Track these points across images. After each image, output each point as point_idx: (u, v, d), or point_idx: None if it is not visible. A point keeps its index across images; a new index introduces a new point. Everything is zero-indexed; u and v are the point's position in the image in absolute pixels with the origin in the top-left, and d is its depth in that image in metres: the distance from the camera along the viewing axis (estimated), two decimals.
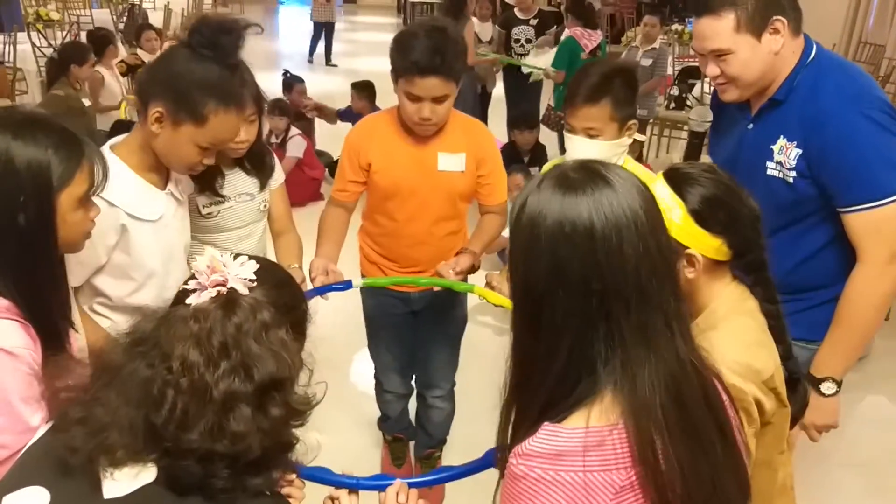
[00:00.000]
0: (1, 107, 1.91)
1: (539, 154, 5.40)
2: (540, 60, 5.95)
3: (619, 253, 0.91)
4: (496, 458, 1.10)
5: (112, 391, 0.94)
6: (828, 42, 1.67)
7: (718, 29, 1.67)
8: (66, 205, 1.28)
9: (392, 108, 2.17)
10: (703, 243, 1.28)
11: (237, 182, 2.04)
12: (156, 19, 9.31)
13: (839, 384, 1.73)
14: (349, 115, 6.01)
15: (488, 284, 1.98)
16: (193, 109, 1.57)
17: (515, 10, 6.25)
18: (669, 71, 6.52)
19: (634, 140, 1.96)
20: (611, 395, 0.92)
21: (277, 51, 12.92)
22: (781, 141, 1.72)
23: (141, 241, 1.68)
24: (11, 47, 6.19)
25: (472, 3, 6.24)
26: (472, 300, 2.37)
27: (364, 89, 5.85)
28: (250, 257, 1.03)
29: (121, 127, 4.11)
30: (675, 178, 1.31)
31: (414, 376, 2.66)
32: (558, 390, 0.94)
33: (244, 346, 0.92)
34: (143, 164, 1.68)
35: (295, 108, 5.99)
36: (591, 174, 0.95)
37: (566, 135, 1.91)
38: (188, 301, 0.96)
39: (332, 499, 1.24)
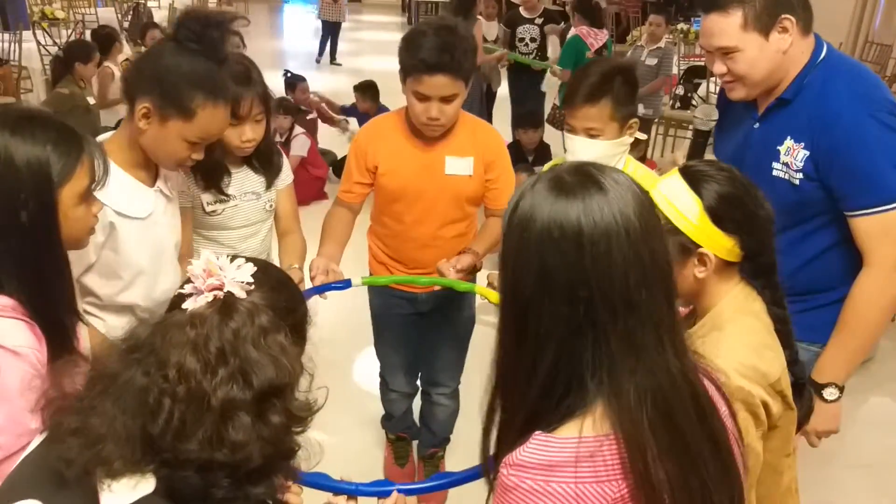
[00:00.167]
0: None
1: (543, 153, 5.39)
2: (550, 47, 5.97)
3: (608, 260, 0.88)
4: (483, 470, 1.08)
5: (108, 400, 0.92)
6: (834, 42, 1.66)
7: (725, 26, 1.64)
8: (68, 201, 1.28)
9: (401, 109, 2.16)
10: (716, 243, 1.26)
11: (244, 181, 2.03)
12: (160, 17, 9.32)
13: (842, 389, 1.71)
14: (353, 112, 6.02)
15: (490, 284, 1.97)
16: (181, 104, 1.55)
17: (521, 8, 6.26)
18: (675, 70, 6.50)
19: (636, 139, 1.94)
20: (602, 407, 0.90)
21: (283, 50, 12.93)
22: (788, 142, 1.70)
23: (129, 238, 1.66)
24: (17, 46, 6.20)
25: (480, 3, 6.24)
26: (478, 300, 2.36)
27: (367, 90, 5.85)
28: (247, 259, 1.00)
29: None
30: (692, 175, 1.29)
31: (419, 374, 2.65)
32: (544, 400, 0.92)
33: (242, 353, 0.90)
34: (132, 162, 1.66)
35: (301, 105, 6.00)
36: (585, 178, 0.93)
37: (566, 135, 1.90)
38: (185, 306, 0.94)
39: None
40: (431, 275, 2.20)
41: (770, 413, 1.26)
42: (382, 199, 2.22)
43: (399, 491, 1.24)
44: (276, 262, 2.13)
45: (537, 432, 0.91)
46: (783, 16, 1.62)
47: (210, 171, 1.95)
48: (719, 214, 1.25)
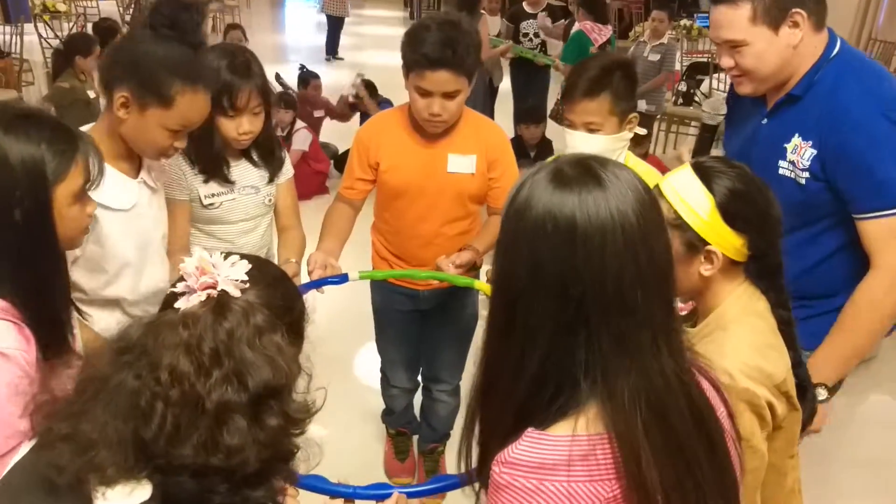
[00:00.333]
0: None
1: (546, 149, 5.38)
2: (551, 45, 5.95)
3: (601, 258, 0.86)
4: (468, 478, 1.06)
5: (99, 405, 0.89)
6: None
7: (733, 18, 1.60)
8: (63, 199, 1.27)
9: (403, 105, 2.14)
10: (725, 241, 1.24)
11: (242, 174, 2.02)
12: None
13: (831, 391, 1.67)
14: (357, 107, 6.02)
15: (490, 280, 1.96)
16: (159, 91, 1.53)
17: (524, 3, 6.25)
18: (677, 66, 6.48)
19: (637, 134, 1.93)
20: (596, 407, 0.88)
21: (285, 45, 12.91)
22: (796, 139, 1.65)
23: (113, 231, 1.64)
24: (18, 38, 6.19)
25: None
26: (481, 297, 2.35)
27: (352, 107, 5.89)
28: (242, 256, 0.98)
29: None
30: (704, 171, 1.26)
31: (420, 370, 2.65)
32: (534, 397, 0.90)
33: (237, 353, 0.87)
34: (113, 153, 1.63)
35: (310, 104, 6.00)
36: (584, 171, 0.90)
37: (566, 130, 1.88)
38: (177, 304, 0.92)
39: None
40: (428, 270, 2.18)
41: (775, 414, 1.24)
42: (384, 196, 2.21)
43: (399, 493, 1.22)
44: (276, 258, 2.13)
45: (530, 429, 0.89)
46: (794, 10, 1.58)
47: (212, 161, 1.94)
48: (731, 212, 1.22)
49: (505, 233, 0.94)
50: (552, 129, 5.67)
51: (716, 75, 6.31)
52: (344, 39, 11.44)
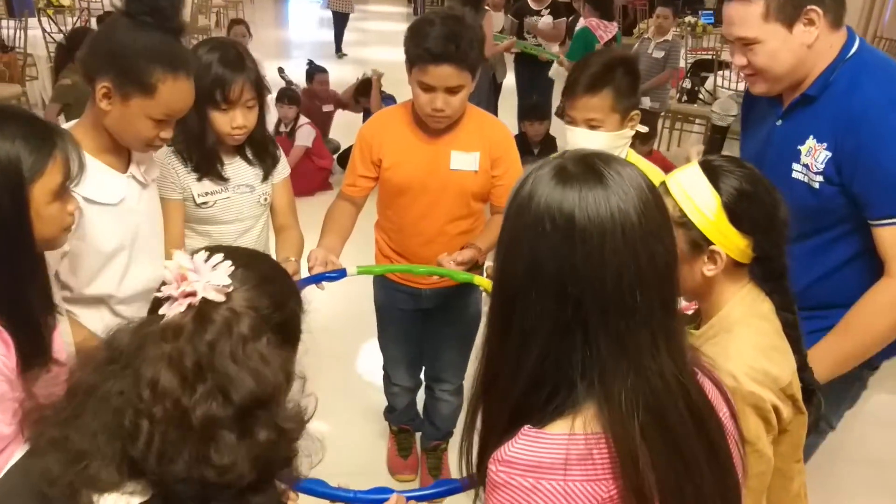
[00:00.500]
0: None
1: (550, 146, 5.37)
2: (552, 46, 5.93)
3: (600, 258, 0.84)
4: (472, 479, 1.04)
5: (87, 413, 0.86)
6: None
7: (746, 15, 1.55)
8: (40, 198, 1.23)
9: (406, 102, 2.13)
10: (730, 241, 1.22)
11: (237, 172, 1.99)
12: None
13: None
14: (361, 101, 6.03)
15: (489, 276, 1.94)
16: (140, 80, 1.50)
17: (528, 0, 6.22)
18: (682, 63, 6.46)
19: (638, 132, 1.91)
20: (594, 407, 0.87)
21: (289, 41, 12.90)
22: (810, 141, 1.60)
23: (96, 225, 1.60)
24: (22, 33, 6.18)
25: None
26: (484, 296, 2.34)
27: (361, 91, 5.87)
28: (226, 255, 0.92)
29: None
30: (712, 169, 1.24)
31: (423, 368, 2.64)
32: (530, 396, 0.89)
33: (219, 367, 0.84)
34: (100, 146, 1.61)
35: (318, 98, 6.00)
36: (587, 168, 0.88)
37: (566, 127, 1.86)
38: (162, 311, 0.89)
39: None
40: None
41: (780, 417, 1.23)
42: (387, 194, 2.20)
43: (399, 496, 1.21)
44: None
45: (526, 427, 0.88)
46: (809, 7, 1.53)
47: (205, 158, 1.91)
48: (737, 213, 1.21)
49: (505, 228, 0.92)
50: (556, 126, 5.67)
51: (720, 72, 6.29)
52: (347, 35, 11.42)
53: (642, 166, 1.87)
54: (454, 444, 2.75)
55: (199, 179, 1.93)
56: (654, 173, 1.78)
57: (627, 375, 0.86)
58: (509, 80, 6.47)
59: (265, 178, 2.04)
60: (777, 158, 1.67)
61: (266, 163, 2.04)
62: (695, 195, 1.23)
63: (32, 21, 6.64)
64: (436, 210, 2.14)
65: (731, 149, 2.02)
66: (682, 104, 6.66)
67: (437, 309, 2.38)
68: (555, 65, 5.78)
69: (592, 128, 1.80)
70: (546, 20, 6.11)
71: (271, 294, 0.94)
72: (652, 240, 0.87)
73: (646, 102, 5.69)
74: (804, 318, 1.31)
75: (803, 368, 1.30)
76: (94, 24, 6.30)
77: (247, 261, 0.95)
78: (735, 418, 1.04)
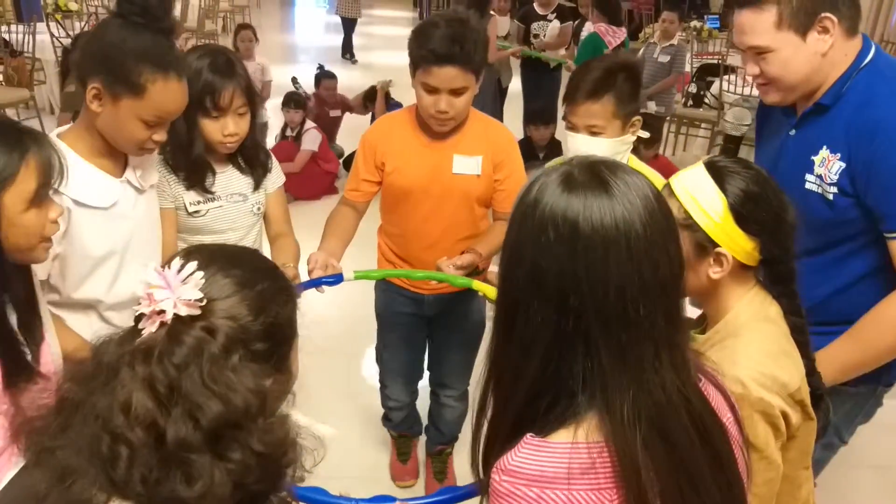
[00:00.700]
0: None
1: (555, 150, 5.36)
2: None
3: (603, 270, 0.83)
4: (476, 486, 1.03)
5: (74, 428, 0.83)
6: None
7: (758, 24, 1.51)
8: (12, 205, 1.18)
9: (411, 106, 2.13)
10: (736, 244, 1.20)
11: (229, 181, 1.98)
12: (174, 11, 9.33)
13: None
14: (369, 107, 6.06)
15: (488, 280, 1.92)
16: (129, 80, 1.48)
17: (535, 4, 6.24)
18: (687, 68, 6.46)
19: (640, 137, 1.90)
20: (597, 417, 0.86)
21: (295, 45, 12.93)
22: (824, 152, 1.55)
23: (85, 228, 1.58)
24: (30, 37, 6.21)
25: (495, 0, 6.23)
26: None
27: (370, 98, 5.91)
28: (203, 257, 0.88)
29: None
30: (718, 170, 1.22)
31: (424, 377, 2.62)
32: (531, 406, 0.89)
33: (186, 390, 0.80)
34: (93, 150, 1.59)
35: (326, 104, 6.03)
36: (593, 176, 0.87)
37: (567, 133, 1.84)
38: (140, 326, 0.86)
39: None
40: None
41: (789, 423, 1.21)
42: (390, 198, 2.19)
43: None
44: None
45: (529, 435, 0.88)
46: (823, 14, 1.48)
47: (193, 167, 1.89)
48: (744, 215, 1.19)
49: (510, 234, 0.92)
50: (562, 131, 5.66)
51: (726, 77, 6.28)
52: (354, 40, 11.47)
53: (644, 172, 1.86)
54: (459, 448, 2.75)
55: (188, 189, 1.91)
56: (656, 179, 1.76)
57: (629, 388, 0.85)
58: (515, 85, 6.47)
59: (257, 186, 2.02)
60: (790, 169, 1.62)
61: (257, 171, 2.01)
62: (700, 196, 1.21)
63: (41, 26, 6.67)
64: (438, 214, 2.13)
65: (746, 158, 2.01)
66: (688, 109, 6.66)
67: (440, 316, 2.36)
68: (563, 70, 5.80)
69: (594, 134, 1.79)
70: (554, 25, 6.12)
71: (251, 300, 0.89)
72: (657, 251, 0.86)
73: (651, 107, 5.70)
74: (818, 333, 1.29)
75: (811, 373, 1.29)
76: None
77: (224, 264, 0.90)
78: (739, 423, 1.03)
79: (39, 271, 1.47)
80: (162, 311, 0.83)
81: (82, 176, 1.57)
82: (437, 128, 2.03)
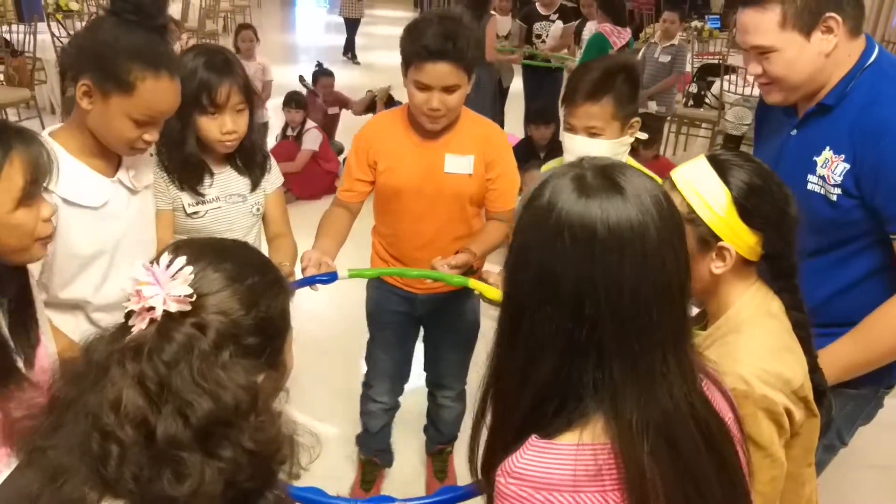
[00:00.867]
0: None
1: (556, 150, 5.35)
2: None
3: (619, 272, 0.84)
4: (476, 486, 1.03)
5: (66, 427, 0.82)
6: None
7: (762, 23, 1.50)
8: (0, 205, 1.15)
9: (403, 106, 2.12)
10: (739, 238, 1.19)
11: (227, 182, 1.96)
12: (174, 11, 9.33)
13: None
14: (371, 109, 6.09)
15: (483, 279, 1.90)
16: (118, 77, 1.46)
17: (537, 4, 6.24)
18: (688, 68, 6.46)
19: (638, 138, 1.88)
20: (604, 420, 0.86)
21: (296, 45, 12.94)
22: (827, 153, 1.54)
23: (72, 227, 1.55)
24: (31, 37, 6.21)
25: None
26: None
27: (370, 109, 5.97)
28: (193, 251, 0.88)
29: None
30: (720, 163, 1.21)
31: (424, 376, 2.61)
32: (537, 410, 0.88)
33: (176, 388, 0.80)
34: (85, 149, 1.58)
35: (325, 101, 6.05)
36: (606, 180, 0.87)
37: (565, 134, 1.82)
38: (130, 323, 0.85)
39: None
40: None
41: (793, 420, 1.20)
42: (382, 197, 2.17)
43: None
44: None
45: (533, 436, 0.88)
46: (828, 14, 1.46)
47: (184, 166, 1.88)
48: (748, 208, 1.18)
49: (518, 238, 0.91)
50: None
51: (727, 77, 6.28)
52: (355, 40, 11.47)
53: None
54: (459, 446, 2.75)
55: (182, 190, 1.90)
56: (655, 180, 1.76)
57: (639, 396, 0.85)
58: (516, 85, 6.47)
59: (255, 187, 2.01)
60: (792, 169, 1.59)
61: (255, 172, 2.00)
62: (703, 190, 1.20)
63: (42, 26, 6.67)
64: (431, 214, 2.11)
65: None
66: (689, 109, 6.66)
67: (433, 316, 2.34)
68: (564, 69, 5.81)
69: (592, 135, 1.77)
70: (556, 26, 6.12)
71: (242, 294, 0.87)
72: (668, 251, 0.86)
73: (652, 107, 5.69)
74: (821, 335, 1.28)
75: (814, 370, 1.28)
76: None
77: (214, 258, 0.89)
78: (739, 422, 1.03)
79: (33, 270, 1.45)
80: (151, 308, 0.82)
81: (72, 174, 1.55)
82: (429, 126, 2.01)
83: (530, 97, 6.18)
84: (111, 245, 1.64)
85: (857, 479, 2.84)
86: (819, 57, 1.51)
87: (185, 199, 1.91)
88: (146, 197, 1.77)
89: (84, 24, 7.47)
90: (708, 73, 6.84)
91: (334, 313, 3.34)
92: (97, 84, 1.48)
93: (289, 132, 5.55)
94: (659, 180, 1.32)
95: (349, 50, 11.14)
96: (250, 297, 0.88)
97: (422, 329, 2.48)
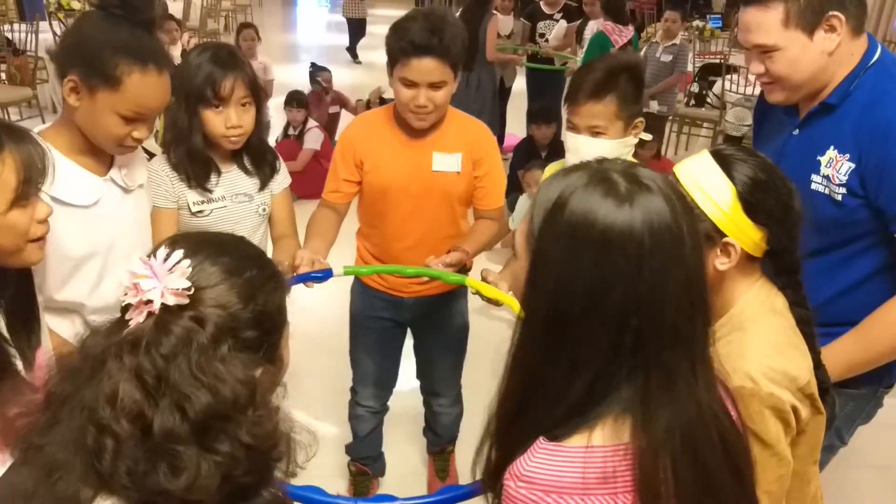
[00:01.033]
0: None
1: (557, 149, 5.35)
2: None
3: (663, 277, 0.83)
4: (478, 486, 1.02)
5: (62, 423, 0.82)
6: None
7: (764, 22, 1.48)
8: None
9: (389, 105, 2.11)
10: (744, 234, 1.18)
11: (234, 181, 1.95)
12: (176, 9, 9.33)
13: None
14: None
15: (483, 278, 1.89)
16: (104, 72, 1.43)
17: (541, 3, 6.24)
18: (689, 67, 6.46)
19: (641, 139, 1.86)
20: (613, 418, 0.86)
21: (297, 44, 12.93)
22: (831, 152, 1.53)
23: (63, 227, 1.51)
24: (33, 36, 6.22)
25: None
26: (473, 302, 2.27)
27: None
28: (190, 245, 0.87)
29: None
30: (724, 159, 1.20)
31: (392, 393, 2.56)
32: (559, 416, 0.88)
33: (174, 381, 0.79)
34: (74, 147, 1.55)
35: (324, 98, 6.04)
36: (636, 184, 0.86)
37: (568, 133, 1.80)
38: (127, 317, 0.84)
39: None
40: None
41: (798, 418, 1.19)
42: (369, 197, 2.14)
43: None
44: None
45: (541, 438, 0.87)
46: (831, 13, 1.46)
47: (191, 160, 1.87)
48: (753, 203, 1.17)
49: (552, 249, 0.87)
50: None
51: (728, 77, 6.28)
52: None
53: None
54: (460, 445, 2.74)
55: (191, 187, 1.89)
56: None
57: (671, 405, 0.85)
58: (519, 85, 6.47)
59: (263, 187, 1.99)
60: (794, 169, 1.57)
61: (264, 171, 1.98)
62: (707, 185, 1.19)
63: (44, 24, 6.68)
64: (419, 214, 2.09)
65: None
66: (690, 108, 6.66)
67: (421, 320, 2.32)
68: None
69: (595, 135, 1.74)
70: (560, 25, 6.12)
71: (240, 287, 0.87)
72: (695, 255, 0.86)
73: (653, 106, 5.69)
74: (824, 334, 1.27)
75: (818, 366, 1.27)
76: None
77: (211, 252, 0.88)
78: (741, 419, 1.03)
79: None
80: (149, 301, 0.82)
81: (62, 173, 1.51)
82: (415, 123, 1.99)
83: (533, 97, 6.18)
84: (104, 246, 1.62)
85: (856, 478, 2.84)
86: (822, 56, 1.50)
87: (191, 197, 1.89)
88: (140, 196, 1.74)
89: None
90: (709, 73, 6.84)
91: (331, 311, 3.33)
92: (84, 79, 1.45)
93: (290, 131, 5.56)
94: None
95: (351, 50, 11.14)
96: (248, 291, 0.88)
97: (412, 337, 2.45)
